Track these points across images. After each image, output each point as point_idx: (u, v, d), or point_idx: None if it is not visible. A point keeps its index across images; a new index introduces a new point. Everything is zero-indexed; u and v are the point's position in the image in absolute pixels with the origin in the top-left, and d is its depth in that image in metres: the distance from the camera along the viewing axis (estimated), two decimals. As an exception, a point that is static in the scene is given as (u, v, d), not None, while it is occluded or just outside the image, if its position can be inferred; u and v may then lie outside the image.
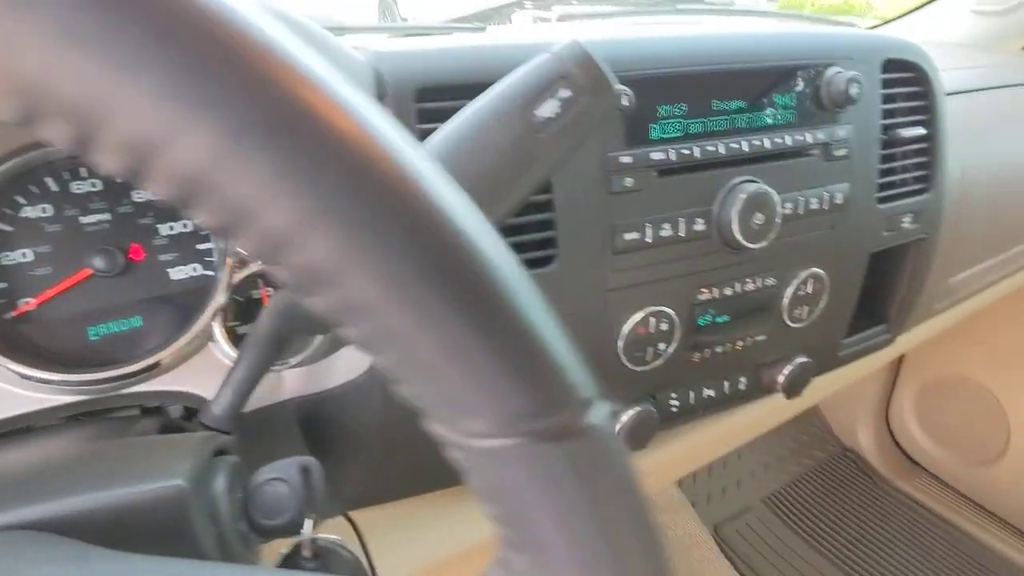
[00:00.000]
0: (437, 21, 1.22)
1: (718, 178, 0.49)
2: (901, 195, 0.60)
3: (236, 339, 0.42)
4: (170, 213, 0.43)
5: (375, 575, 0.48)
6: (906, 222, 0.61)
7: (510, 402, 0.14)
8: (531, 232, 0.44)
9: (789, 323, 0.57)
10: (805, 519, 1.47)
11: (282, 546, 0.32)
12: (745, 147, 0.49)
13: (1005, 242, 0.82)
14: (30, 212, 0.39)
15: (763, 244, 0.50)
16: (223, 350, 0.41)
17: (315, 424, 0.45)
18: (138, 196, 0.42)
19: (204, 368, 0.41)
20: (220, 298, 0.41)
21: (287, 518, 0.29)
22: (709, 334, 0.53)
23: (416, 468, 0.46)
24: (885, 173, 0.58)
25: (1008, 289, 1.02)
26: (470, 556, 0.53)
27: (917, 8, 1.26)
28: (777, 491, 1.53)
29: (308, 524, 0.29)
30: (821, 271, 0.56)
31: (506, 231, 0.44)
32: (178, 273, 0.44)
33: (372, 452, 0.44)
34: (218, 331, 0.42)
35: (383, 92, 0.39)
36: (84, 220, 0.40)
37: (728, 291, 0.52)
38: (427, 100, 0.39)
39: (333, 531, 0.47)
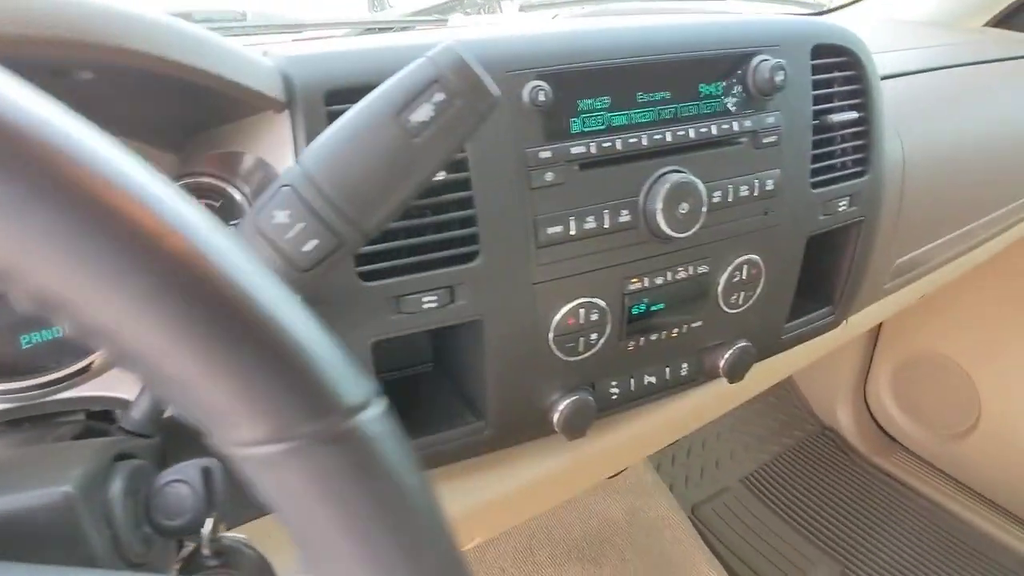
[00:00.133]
0: (399, 15, 1.21)
1: (644, 169, 0.50)
2: (837, 179, 0.61)
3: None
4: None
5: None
6: (843, 205, 0.61)
7: (268, 411, 0.15)
8: (454, 229, 0.45)
9: (726, 309, 0.58)
10: (782, 498, 1.49)
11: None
12: (669, 138, 0.50)
13: (954, 221, 0.83)
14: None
15: (690, 233, 0.51)
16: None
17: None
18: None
19: (133, 372, 0.42)
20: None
21: (187, 519, 0.30)
22: (643, 322, 0.54)
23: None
24: (819, 158, 0.59)
25: (968, 266, 1.03)
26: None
27: (878, -13, 1.26)
28: (755, 471, 1.55)
29: (208, 524, 0.30)
30: (756, 257, 0.57)
31: (429, 228, 0.45)
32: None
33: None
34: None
35: (292, 97, 0.39)
36: None
37: (659, 280, 0.53)
38: (337, 103, 0.39)
39: (262, 530, 0.48)
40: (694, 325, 0.57)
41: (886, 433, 1.66)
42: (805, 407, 1.77)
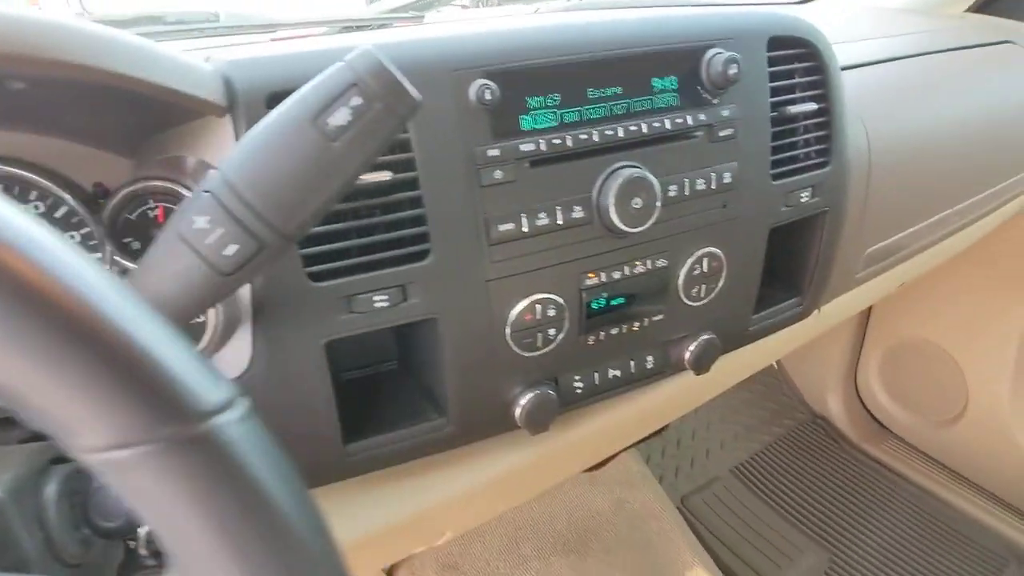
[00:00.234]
0: (374, 13, 1.21)
1: (597, 165, 0.50)
2: (798, 170, 0.61)
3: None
4: (55, 225, 0.44)
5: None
6: (805, 197, 0.62)
7: (113, 416, 0.15)
8: (405, 228, 0.45)
9: (688, 302, 0.58)
10: (772, 487, 1.49)
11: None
12: (621, 133, 0.50)
13: (927, 209, 0.83)
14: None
15: (645, 228, 0.51)
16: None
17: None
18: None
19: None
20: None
21: (123, 520, 0.30)
22: (603, 317, 0.54)
23: (303, 462, 0.47)
24: (779, 150, 0.59)
25: (947, 253, 1.04)
26: (362, 544, 0.55)
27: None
28: (745, 460, 1.56)
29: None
30: (716, 249, 0.57)
31: (380, 227, 0.45)
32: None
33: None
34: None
35: (234, 101, 0.40)
36: None
37: (617, 275, 0.53)
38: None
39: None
40: (655, 319, 0.57)
41: (876, 420, 1.67)
42: (796, 396, 1.77)
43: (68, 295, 0.15)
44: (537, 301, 0.50)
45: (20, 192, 0.43)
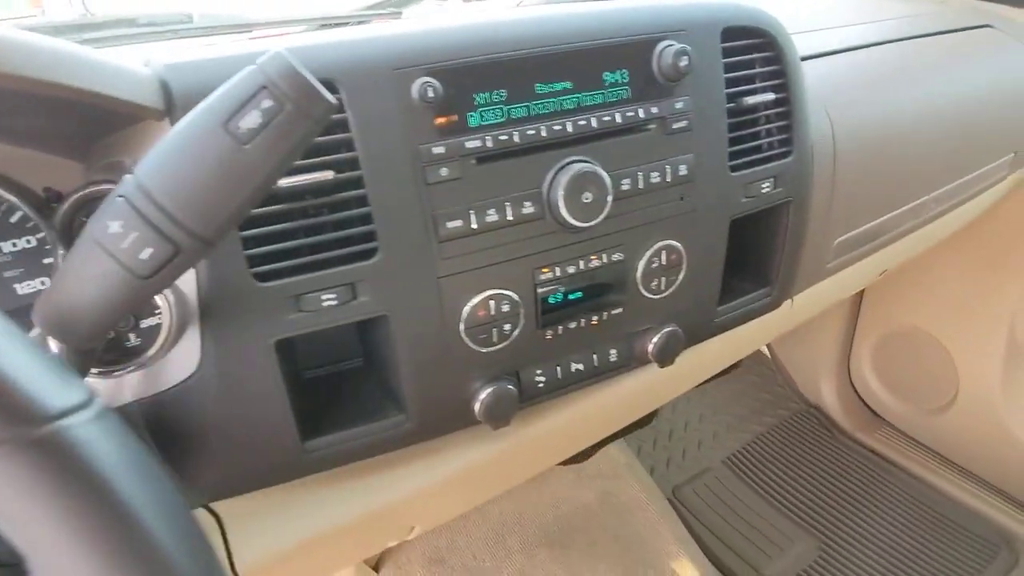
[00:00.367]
0: (352, 10, 1.21)
1: (547, 160, 0.50)
2: (759, 161, 0.61)
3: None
4: (9, 231, 0.45)
5: (233, 564, 0.50)
6: (766, 187, 0.62)
7: None
8: (353, 226, 0.46)
9: (647, 295, 0.58)
10: (764, 477, 1.50)
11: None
12: (570, 128, 0.50)
13: (899, 197, 0.82)
14: None
15: (596, 222, 0.51)
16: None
17: (161, 424, 0.47)
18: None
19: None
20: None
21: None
22: (561, 311, 0.55)
23: (262, 460, 0.48)
24: (737, 141, 0.59)
25: (929, 241, 1.03)
26: (328, 540, 0.56)
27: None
28: (737, 451, 1.56)
29: None
30: (675, 242, 0.57)
31: (328, 226, 0.46)
32: (25, 288, 0.46)
33: (216, 447, 0.46)
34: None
35: (171, 105, 0.40)
36: None
37: (571, 269, 0.53)
38: (217, 108, 0.40)
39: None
40: (615, 312, 0.57)
41: (870, 409, 1.67)
42: (790, 386, 1.77)
43: None
44: (490, 297, 0.51)
45: (-30, 199, 0.43)
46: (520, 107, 0.49)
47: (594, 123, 0.51)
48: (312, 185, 0.43)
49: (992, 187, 1.03)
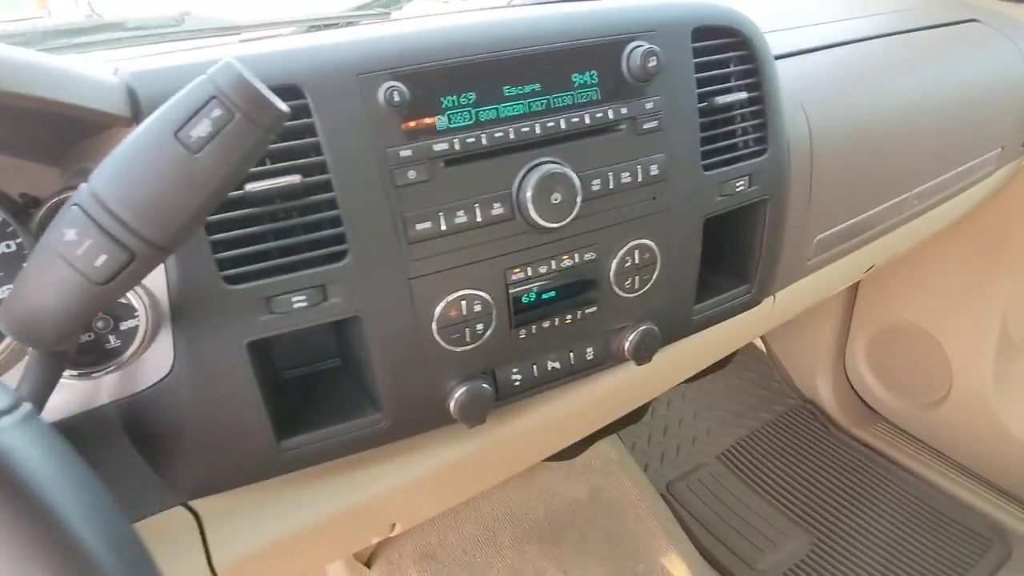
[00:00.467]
0: (342, 11, 1.22)
1: (516, 162, 0.51)
2: (733, 160, 0.61)
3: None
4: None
5: (211, 562, 0.51)
6: (741, 186, 0.62)
7: None
8: (323, 229, 0.46)
9: (621, 293, 0.59)
10: (758, 472, 1.50)
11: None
12: (538, 130, 0.51)
13: (880, 194, 0.82)
14: None
15: (566, 222, 0.52)
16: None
17: (138, 424, 0.48)
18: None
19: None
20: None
21: None
22: (535, 311, 0.55)
23: (237, 459, 0.49)
24: (710, 140, 0.59)
25: (915, 238, 1.03)
26: (309, 536, 0.57)
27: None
28: (732, 446, 1.56)
29: None
30: (648, 241, 0.58)
31: (298, 229, 0.46)
32: (4, 292, 0.47)
33: (191, 446, 0.47)
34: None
35: (138, 112, 0.41)
36: None
37: (543, 269, 0.54)
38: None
39: (173, 522, 0.51)
40: (589, 311, 0.58)
41: (865, 404, 1.67)
42: (786, 381, 1.77)
43: None
44: (462, 297, 0.51)
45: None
46: (489, 109, 0.50)
47: (563, 124, 0.51)
48: (282, 189, 0.44)
49: (980, 182, 1.03)
